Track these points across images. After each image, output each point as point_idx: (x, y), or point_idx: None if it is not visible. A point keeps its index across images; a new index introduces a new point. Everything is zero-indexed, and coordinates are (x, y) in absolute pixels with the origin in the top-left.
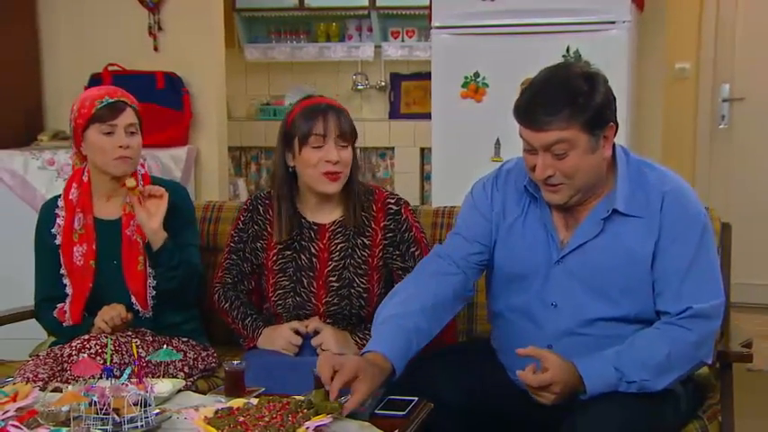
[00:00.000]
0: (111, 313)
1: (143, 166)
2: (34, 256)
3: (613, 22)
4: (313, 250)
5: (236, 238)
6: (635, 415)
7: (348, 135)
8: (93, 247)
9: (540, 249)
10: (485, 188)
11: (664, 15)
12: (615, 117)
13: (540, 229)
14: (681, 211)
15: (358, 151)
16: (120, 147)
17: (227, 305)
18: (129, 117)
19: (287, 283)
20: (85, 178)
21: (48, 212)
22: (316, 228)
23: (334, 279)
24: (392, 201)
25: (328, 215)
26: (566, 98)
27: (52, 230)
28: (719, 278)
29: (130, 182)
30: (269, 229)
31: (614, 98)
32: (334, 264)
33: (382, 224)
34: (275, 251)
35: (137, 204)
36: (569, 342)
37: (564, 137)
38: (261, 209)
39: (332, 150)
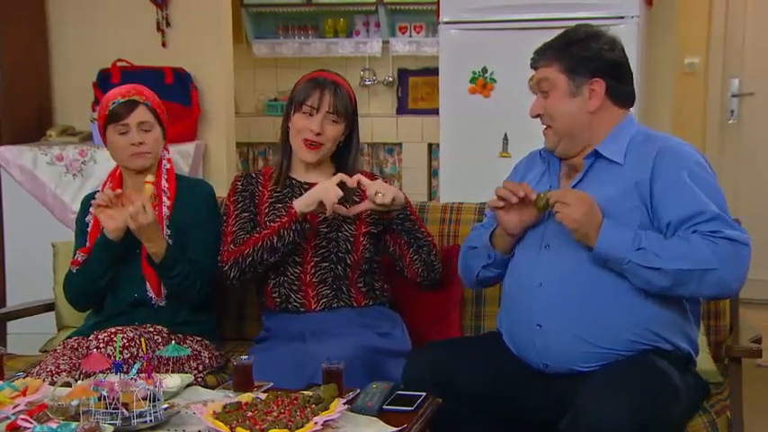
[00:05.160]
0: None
1: (169, 161)
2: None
3: (622, 17)
4: None
5: (238, 198)
6: (641, 401)
7: (340, 113)
8: None
9: None
10: (512, 171)
11: (673, 10)
12: (608, 76)
13: (546, 184)
14: (674, 158)
15: (365, 147)
16: (133, 144)
17: (247, 236)
18: (140, 115)
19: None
20: (118, 173)
21: (85, 204)
22: (307, 186)
23: (323, 226)
24: (381, 175)
25: (319, 177)
26: (559, 42)
27: (86, 219)
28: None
29: (148, 188)
30: (261, 189)
31: (614, 61)
32: (324, 216)
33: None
34: (267, 205)
35: (149, 208)
36: (559, 281)
37: (546, 75)
38: (253, 174)
39: (317, 122)
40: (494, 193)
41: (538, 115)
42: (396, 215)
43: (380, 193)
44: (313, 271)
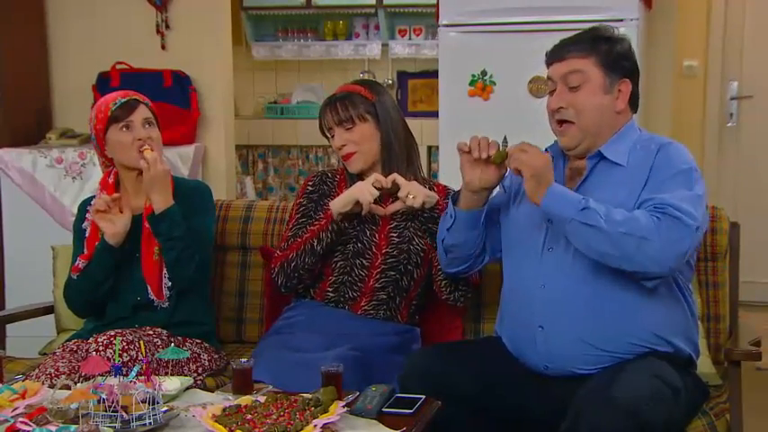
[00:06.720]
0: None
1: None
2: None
3: (621, 20)
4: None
5: (303, 201)
6: (640, 403)
7: (345, 120)
8: None
9: None
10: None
11: (672, 13)
12: (632, 77)
13: None
14: (668, 158)
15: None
16: (140, 139)
17: (297, 238)
18: (143, 112)
19: (351, 231)
20: (111, 180)
21: (81, 210)
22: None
23: (395, 235)
24: (451, 190)
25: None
26: (589, 37)
27: (83, 225)
28: (704, 209)
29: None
30: (337, 190)
31: (635, 64)
32: (396, 223)
33: (442, 197)
34: None
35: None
36: (562, 284)
37: (579, 66)
38: (330, 174)
39: (337, 139)
40: (469, 141)
41: (558, 109)
42: (421, 212)
43: (411, 195)
44: (378, 276)
